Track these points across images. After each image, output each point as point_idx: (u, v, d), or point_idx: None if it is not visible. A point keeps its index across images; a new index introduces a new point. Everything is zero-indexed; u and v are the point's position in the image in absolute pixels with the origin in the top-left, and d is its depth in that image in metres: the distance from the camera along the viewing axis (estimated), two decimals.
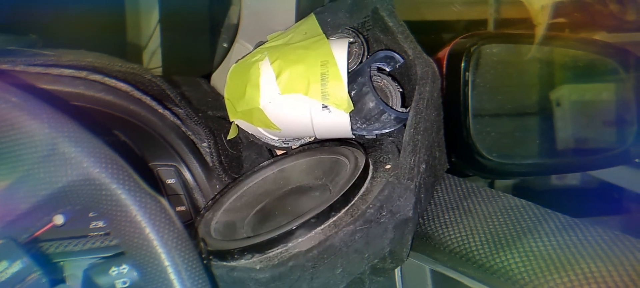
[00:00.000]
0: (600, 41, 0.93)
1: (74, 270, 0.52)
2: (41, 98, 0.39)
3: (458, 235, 0.49)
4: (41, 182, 0.37)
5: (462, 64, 0.68)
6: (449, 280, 0.50)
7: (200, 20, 1.26)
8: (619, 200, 1.04)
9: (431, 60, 0.54)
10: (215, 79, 0.87)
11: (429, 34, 0.76)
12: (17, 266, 0.38)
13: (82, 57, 0.58)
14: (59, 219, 0.40)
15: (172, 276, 0.38)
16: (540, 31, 0.85)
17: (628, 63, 0.80)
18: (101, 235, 0.54)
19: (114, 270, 0.42)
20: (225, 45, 1.00)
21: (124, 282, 0.41)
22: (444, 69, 0.69)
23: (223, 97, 0.61)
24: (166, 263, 0.38)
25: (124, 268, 0.42)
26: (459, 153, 0.69)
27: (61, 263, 0.52)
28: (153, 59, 1.37)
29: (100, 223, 0.55)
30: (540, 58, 0.77)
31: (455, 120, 0.68)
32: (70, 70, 0.56)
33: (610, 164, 0.89)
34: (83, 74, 0.57)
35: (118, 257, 0.43)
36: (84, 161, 0.38)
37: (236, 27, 0.79)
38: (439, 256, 0.51)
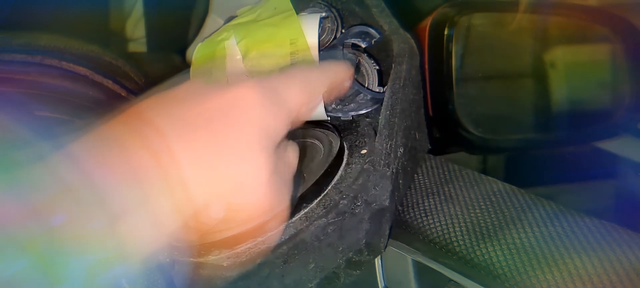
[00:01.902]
0: (591, 7, 0.89)
1: None
2: None
3: (438, 223, 0.46)
4: None
5: (446, 35, 0.64)
6: (432, 271, 0.48)
7: None
8: (612, 165, 1.01)
9: (409, 35, 0.50)
10: (191, 54, 0.83)
11: (411, 3, 0.72)
12: None
13: (35, 39, 0.54)
14: None
15: None
16: None
17: (622, 29, 0.76)
18: None
19: None
20: (200, 18, 0.96)
21: None
22: (427, 41, 0.65)
23: None
24: None
25: None
26: (442, 129, 0.66)
27: None
28: (137, 29, 1.34)
29: None
30: (527, 27, 0.73)
31: (439, 94, 0.65)
32: (23, 55, 0.52)
33: (610, 135, 0.86)
34: (38, 58, 0.53)
35: None
36: None
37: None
38: (419, 245, 0.48)
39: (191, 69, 0.56)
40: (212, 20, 0.72)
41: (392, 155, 0.46)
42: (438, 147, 0.61)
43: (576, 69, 0.81)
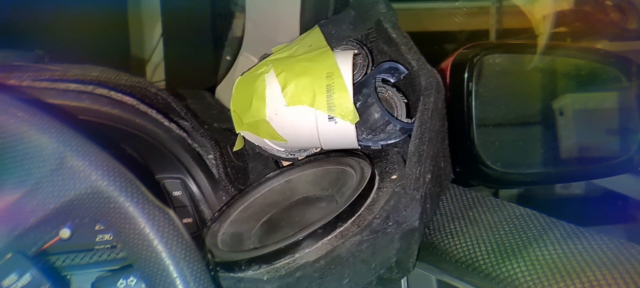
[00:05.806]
0: (602, 50, 0.94)
1: (82, 282, 0.52)
2: (48, 112, 0.40)
3: (464, 244, 0.50)
4: (50, 195, 0.38)
5: (465, 74, 0.68)
6: None
7: (203, 34, 1.27)
8: (623, 209, 1.04)
9: (435, 70, 0.54)
10: (220, 91, 0.88)
11: (431, 45, 0.76)
12: (26, 279, 0.38)
13: (88, 71, 0.58)
14: (65, 233, 0.40)
15: (181, 287, 0.38)
16: (542, 41, 0.85)
17: (630, 71, 0.80)
18: (108, 247, 0.54)
19: (121, 283, 0.42)
20: (228, 58, 1.01)
21: None
22: (448, 80, 0.70)
23: (228, 110, 0.62)
24: (174, 274, 0.38)
25: (132, 280, 0.42)
26: (463, 164, 0.69)
27: (68, 276, 0.52)
28: (156, 72, 1.38)
29: (107, 236, 0.55)
30: (542, 67, 0.77)
31: (459, 130, 0.69)
32: (77, 85, 0.57)
33: (615, 173, 0.89)
34: (89, 88, 0.57)
35: (126, 269, 0.43)
36: (92, 174, 0.38)
37: (240, 40, 0.80)
38: (445, 266, 0.51)
39: (232, 100, 0.60)
40: (245, 58, 0.76)
41: (421, 180, 0.50)
42: (458, 181, 0.64)
43: (587, 110, 0.85)
